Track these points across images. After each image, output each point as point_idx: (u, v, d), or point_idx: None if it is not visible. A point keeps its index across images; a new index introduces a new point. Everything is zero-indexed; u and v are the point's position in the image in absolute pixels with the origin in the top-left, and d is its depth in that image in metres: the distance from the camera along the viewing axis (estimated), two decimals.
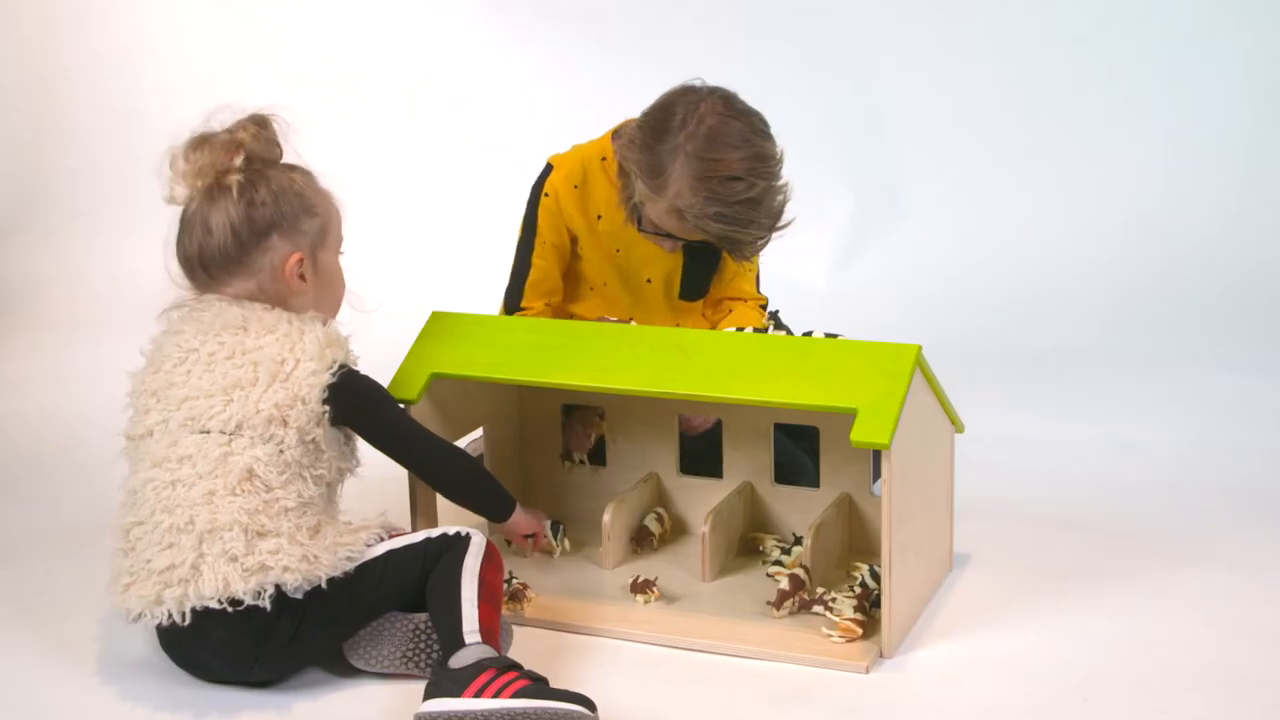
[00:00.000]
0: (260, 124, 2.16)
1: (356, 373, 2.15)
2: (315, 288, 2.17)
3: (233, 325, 2.10)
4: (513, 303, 2.67)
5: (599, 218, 2.64)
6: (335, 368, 2.10)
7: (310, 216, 2.16)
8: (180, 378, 2.09)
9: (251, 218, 2.11)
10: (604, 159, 2.63)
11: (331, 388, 2.08)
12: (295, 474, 2.06)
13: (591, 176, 2.63)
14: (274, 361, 2.07)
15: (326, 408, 2.08)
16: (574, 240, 2.67)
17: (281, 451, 2.05)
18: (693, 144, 2.41)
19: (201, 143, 2.13)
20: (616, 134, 2.62)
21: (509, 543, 2.45)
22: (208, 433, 2.05)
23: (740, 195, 2.42)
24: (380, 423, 2.18)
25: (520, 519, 2.36)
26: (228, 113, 2.15)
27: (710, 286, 2.74)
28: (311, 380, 2.07)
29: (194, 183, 2.12)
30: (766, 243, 2.54)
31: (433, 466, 2.24)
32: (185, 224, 2.14)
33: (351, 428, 2.15)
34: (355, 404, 2.13)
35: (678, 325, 2.70)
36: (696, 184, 2.41)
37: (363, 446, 2.20)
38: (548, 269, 2.66)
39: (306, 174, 2.19)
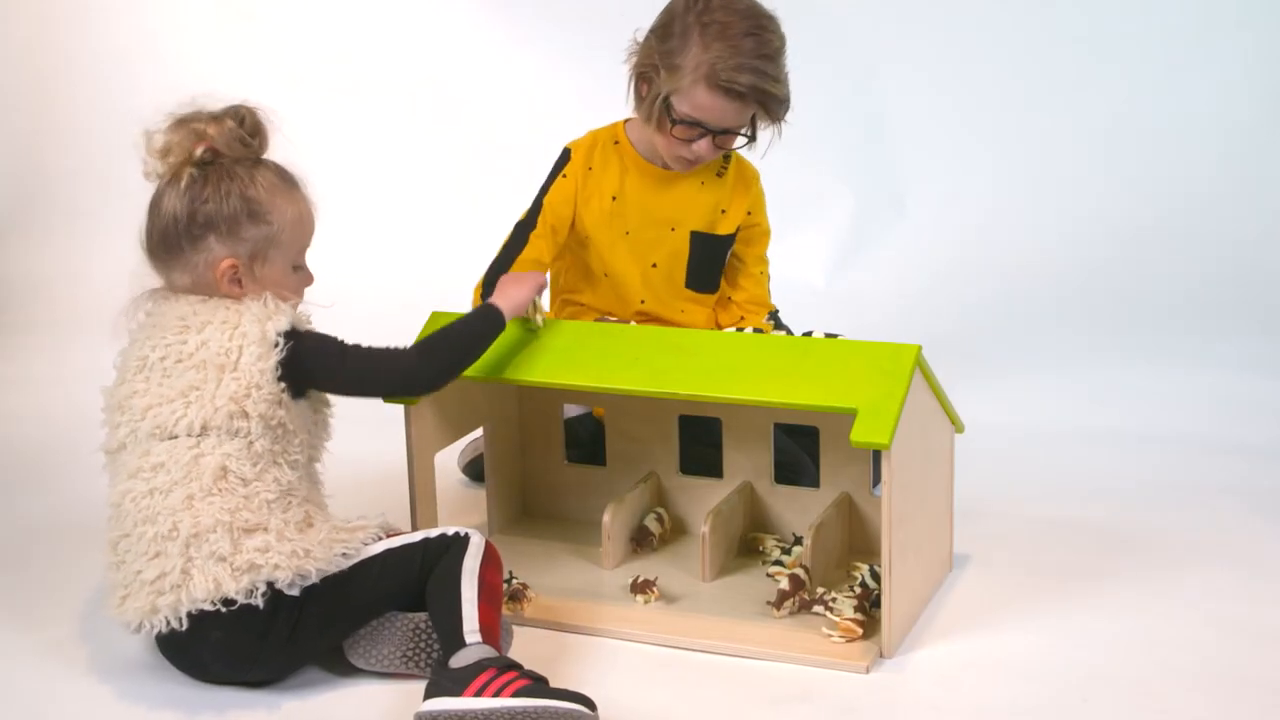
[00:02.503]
0: (237, 118, 2.10)
1: (301, 338, 2.08)
2: (256, 294, 2.09)
3: (175, 326, 2.07)
4: (494, 275, 2.62)
5: (614, 198, 2.69)
6: (281, 343, 2.06)
7: (256, 224, 2.08)
8: (141, 386, 2.07)
9: (192, 214, 2.06)
10: (616, 141, 2.72)
11: (282, 364, 2.05)
12: (269, 462, 2.05)
13: (606, 158, 2.71)
14: (219, 355, 2.04)
15: (283, 385, 2.06)
16: (578, 227, 2.70)
17: (251, 443, 2.03)
18: (705, 16, 2.55)
19: (175, 125, 2.10)
20: (630, 121, 2.74)
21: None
22: (175, 438, 2.03)
23: (759, 50, 2.54)
24: (341, 379, 2.12)
25: (514, 298, 2.29)
26: (213, 101, 2.11)
27: (719, 280, 2.79)
28: (259, 365, 2.04)
29: (162, 162, 2.09)
30: (783, 117, 2.64)
31: (413, 379, 2.17)
32: (148, 210, 2.12)
33: (316, 389, 2.11)
34: (308, 371, 2.08)
35: (683, 311, 2.75)
36: (715, 44, 2.53)
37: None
38: (542, 250, 2.67)
39: (277, 176, 2.12)
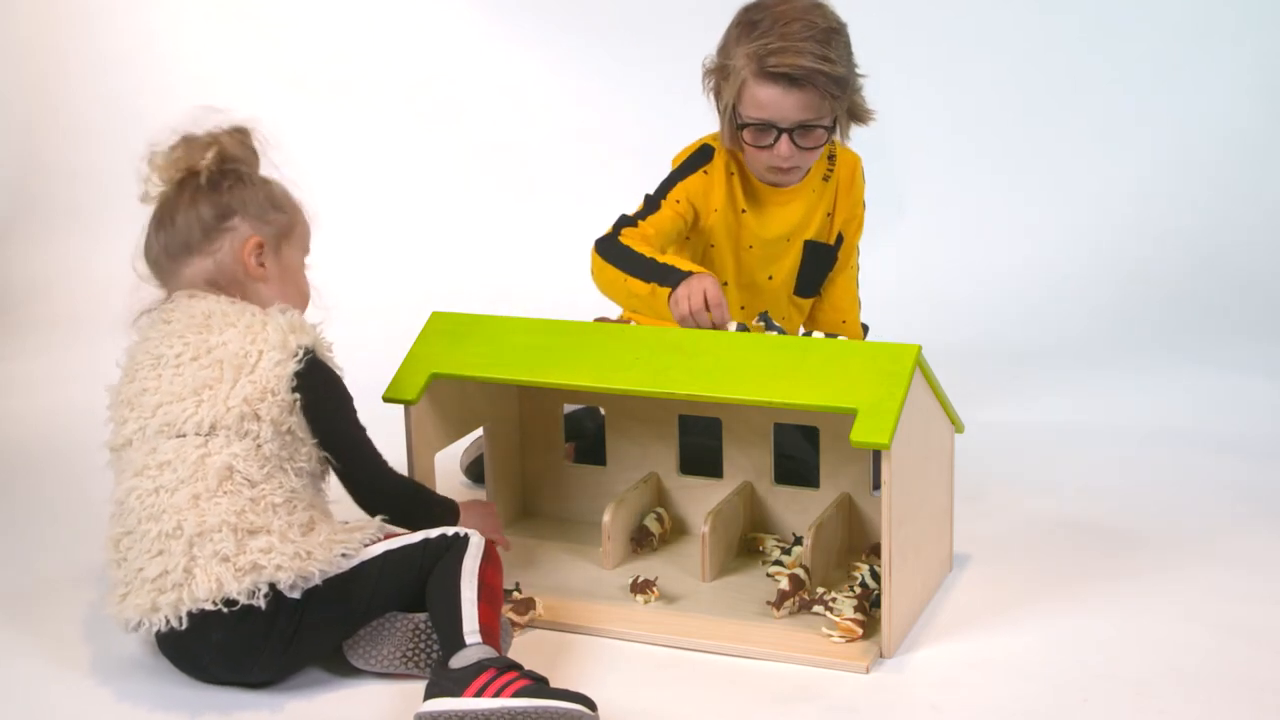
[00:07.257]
0: (241, 132, 2.18)
1: (324, 363, 2.11)
2: (277, 279, 2.16)
3: (195, 324, 2.09)
4: (624, 220, 2.61)
5: (743, 211, 2.67)
6: (301, 354, 2.07)
7: (277, 211, 2.17)
8: (153, 383, 2.08)
9: (215, 200, 2.12)
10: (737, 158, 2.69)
11: (299, 374, 2.07)
12: (276, 467, 2.05)
13: (739, 169, 2.67)
14: (237, 356, 2.05)
15: (297, 395, 2.07)
16: (704, 228, 2.67)
17: (259, 446, 2.04)
18: (753, 14, 2.54)
19: (181, 143, 2.15)
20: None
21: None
22: (184, 436, 2.04)
23: (804, 33, 2.49)
24: (342, 421, 2.13)
25: (474, 526, 2.28)
26: (212, 116, 2.17)
27: (823, 286, 2.80)
28: (277, 370, 2.05)
29: (168, 178, 2.14)
30: (849, 98, 2.60)
31: (374, 489, 2.17)
32: (155, 216, 2.15)
33: (314, 416, 2.09)
34: (323, 391, 2.10)
35: (784, 319, 2.77)
36: (761, 37, 2.49)
37: None
38: (671, 219, 2.61)
39: (280, 184, 2.20)
